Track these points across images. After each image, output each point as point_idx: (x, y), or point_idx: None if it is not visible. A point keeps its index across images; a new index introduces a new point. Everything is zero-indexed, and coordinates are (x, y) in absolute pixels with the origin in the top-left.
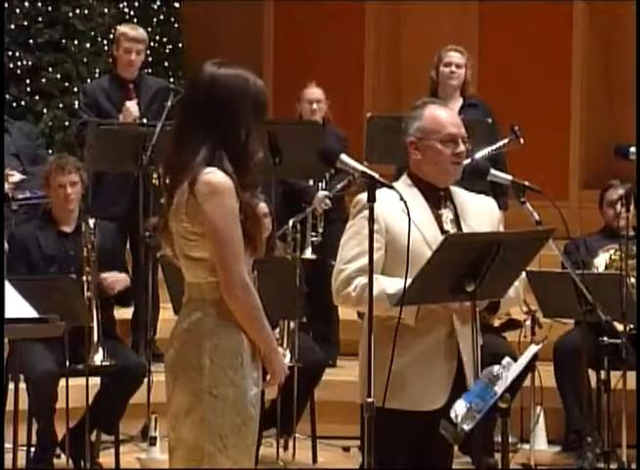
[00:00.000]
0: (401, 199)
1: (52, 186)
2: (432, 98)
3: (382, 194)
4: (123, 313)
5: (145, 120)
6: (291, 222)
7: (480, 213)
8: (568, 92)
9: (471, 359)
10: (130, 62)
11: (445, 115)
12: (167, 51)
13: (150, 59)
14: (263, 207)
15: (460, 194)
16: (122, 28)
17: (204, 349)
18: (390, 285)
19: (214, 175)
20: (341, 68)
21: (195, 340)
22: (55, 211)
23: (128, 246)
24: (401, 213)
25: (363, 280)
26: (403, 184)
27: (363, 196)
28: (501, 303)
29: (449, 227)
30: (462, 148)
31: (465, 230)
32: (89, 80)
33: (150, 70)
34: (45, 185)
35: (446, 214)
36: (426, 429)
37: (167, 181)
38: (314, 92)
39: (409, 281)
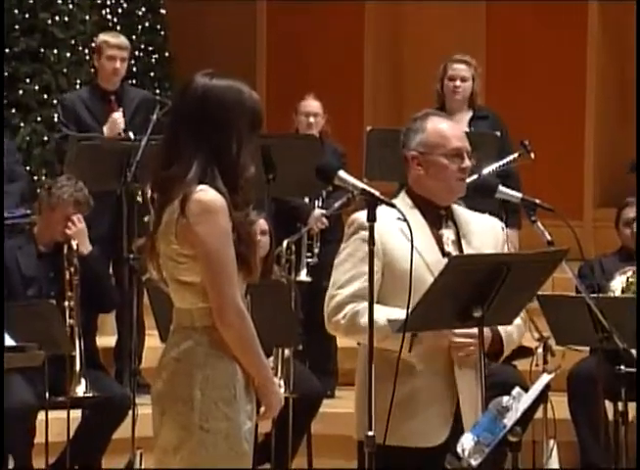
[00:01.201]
0: (404, 220)
1: (53, 218)
2: (434, 110)
3: (379, 213)
4: (107, 341)
5: (131, 134)
6: (285, 243)
7: (484, 234)
8: (582, 102)
9: (468, 396)
10: (115, 70)
11: (449, 127)
12: (153, 60)
13: (134, 69)
14: (263, 223)
15: (461, 213)
16: (103, 36)
17: (194, 380)
18: (389, 314)
19: (207, 193)
20: (339, 77)
21: (185, 370)
22: (39, 232)
23: (111, 269)
24: (399, 234)
25: (356, 307)
26: (401, 202)
27: (358, 215)
28: (504, 344)
29: (451, 249)
30: (468, 163)
31: (467, 252)
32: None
33: (135, 81)
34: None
35: (447, 235)
36: (426, 466)
37: (155, 199)
38: (311, 105)
39: (411, 307)
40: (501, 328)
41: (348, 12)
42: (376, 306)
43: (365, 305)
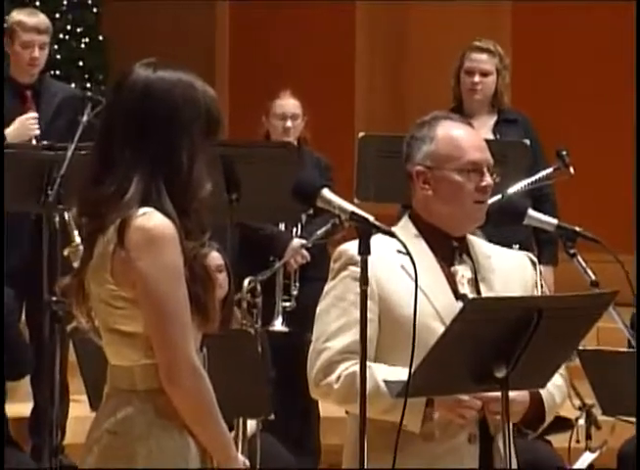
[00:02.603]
0: (406, 252)
1: None
2: (445, 112)
3: (373, 243)
4: (19, 410)
5: (44, 142)
6: (246, 281)
7: (509, 273)
8: (629, 106)
9: None
10: (32, 60)
11: (465, 135)
12: (83, 45)
13: (58, 56)
14: (216, 257)
15: (480, 245)
16: (17, 16)
17: (135, 456)
18: (389, 375)
19: (151, 219)
20: (322, 72)
21: (123, 445)
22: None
23: (24, 316)
24: (401, 272)
25: (352, 367)
26: (403, 231)
27: (348, 247)
28: (545, 408)
29: (466, 290)
30: (489, 180)
31: (486, 295)
32: None
33: (58, 73)
34: None
35: (462, 273)
36: None
37: (84, 225)
38: (289, 104)
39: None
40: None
41: (335, 7)
42: (374, 366)
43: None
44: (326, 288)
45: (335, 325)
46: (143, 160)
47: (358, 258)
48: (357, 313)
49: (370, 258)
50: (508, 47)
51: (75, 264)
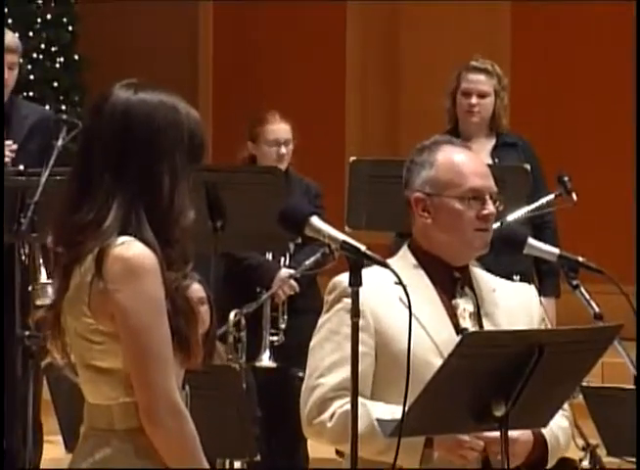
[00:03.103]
0: (399, 282)
1: None
2: (447, 136)
3: (369, 275)
4: None
5: (21, 167)
6: (232, 314)
7: (513, 308)
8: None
9: None
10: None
11: (467, 161)
12: (58, 65)
13: (31, 77)
14: (197, 290)
15: (482, 277)
16: None
17: None
18: (385, 413)
19: (131, 248)
20: (312, 93)
21: None
22: None
23: None
24: (399, 305)
25: (346, 405)
26: (403, 261)
27: (342, 279)
28: (549, 450)
29: (468, 325)
30: (491, 208)
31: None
32: None
33: (30, 94)
34: None
35: (463, 306)
36: None
37: (61, 255)
38: (281, 129)
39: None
40: (544, 429)
41: (323, 16)
42: (369, 404)
43: (361, 401)
44: (320, 321)
45: (328, 360)
46: (122, 186)
47: (349, 288)
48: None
49: (366, 291)
50: (508, 52)
51: (39, 302)
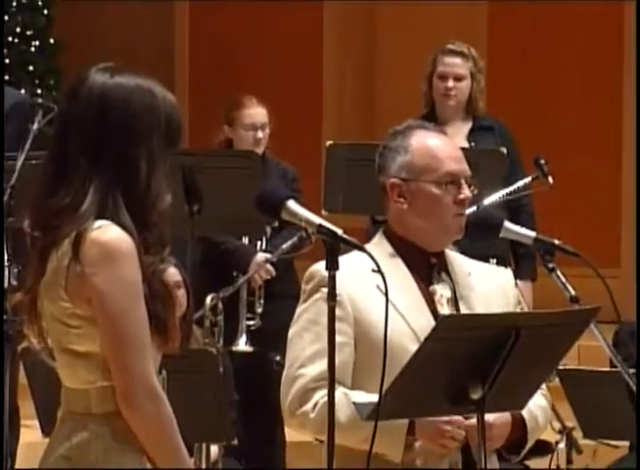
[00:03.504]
0: (377, 269)
1: None
2: (420, 121)
3: (347, 263)
4: None
5: None
6: (209, 298)
7: (489, 291)
8: (617, 111)
9: None
10: None
11: (442, 145)
12: (33, 49)
13: (6, 61)
14: (173, 274)
15: (458, 261)
16: None
17: None
18: (366, 401)
19: (108, 232)
20: (288, 75)
21: None
22: None
23: None
24: (376, 292)
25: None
26: (378, 248)
27: (320, 267)
28: (528, 433)
29: (446, 310)
30: (467, 193)
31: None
32: None
33: (6, 78)
34: None
35: (440, 292)
36: None
37: (36, 239)
38: (258, 113)
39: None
40: (524, 410)
41: (302, 7)
42: (350, 393)
43: (342, 390)
44: (298, 310)
45: (309, 350)
46: (99, 170)
47: (326, 273)
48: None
49: (344, 280)
50: (484, 50)
51: None
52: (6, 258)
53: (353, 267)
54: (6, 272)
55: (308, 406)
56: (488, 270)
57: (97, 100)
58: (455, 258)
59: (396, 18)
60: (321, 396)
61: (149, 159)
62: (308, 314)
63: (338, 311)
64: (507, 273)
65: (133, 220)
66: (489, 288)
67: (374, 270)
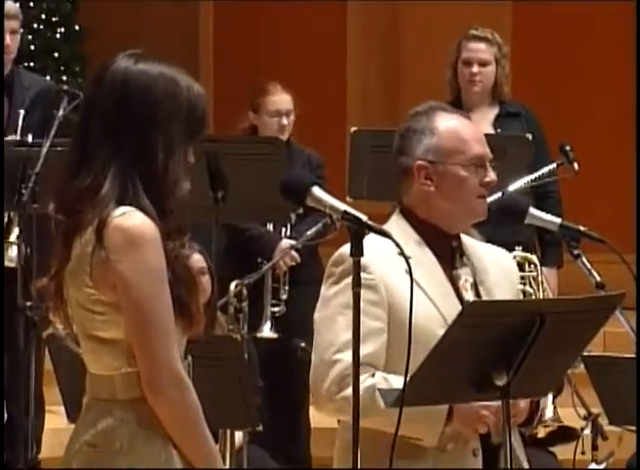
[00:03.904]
0: (401, 253)
1: None
2: (439, 102)
3: (375, 245)
4: None
5: (29, 138)
6: (233, 285)
7: (499, 273)
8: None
9: None
10: (4, 47)
11: (466, 127)
12: (58, 35)
13: (32, 47)
14: (198, 260)
15: (471, 244)
16: None
17: None
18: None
19: (132, 218)
20: (313, 62)
21: (103, 459)
22: None
23: None
24: (406, 276)
25: (368, 380)
26: (402, 231)
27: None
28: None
29: (470, 295)
30: (493, 175)
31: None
32: None
33: (31, 64)
34: None
35: (464, 277)
36: None
37: (60, 223)
38: (283, 100)
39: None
40: None
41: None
42: (390, 377)
43: (382, 374)
44: (327, 293)
45: (345, 336)
46: (117, 155)
47: (365, 262)
48: (370, 323)
49: (378, 263)
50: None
51: (7, 261)
52: (15, 235)
53: (385, 252)
54: (14, 252)
55: (349, 391)
56: (493, 252)
57: (119, 86)
58: (468, 241)
59: (419, 17)
60: (363, 379)
61: (167, 146)
62: (341, 298)
63: (373, 296)
64: (509, 256)
65: (153, 206)
66: (497, 270)
67: (400, 254)
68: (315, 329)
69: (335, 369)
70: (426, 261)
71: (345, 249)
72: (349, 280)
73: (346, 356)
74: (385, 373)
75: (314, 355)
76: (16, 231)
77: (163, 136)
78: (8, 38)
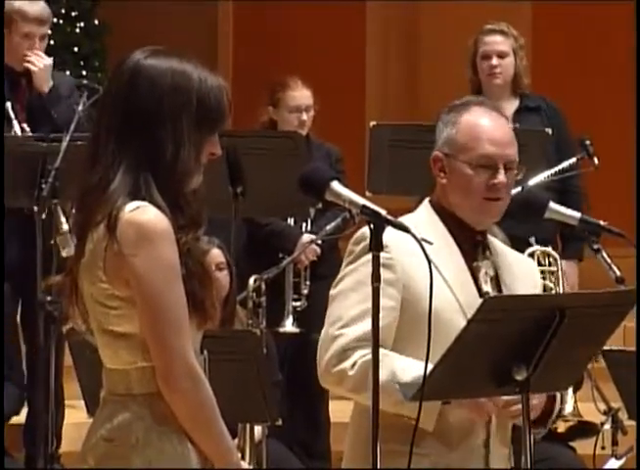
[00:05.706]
0: (420, 247)
1: None
2: (481, 97)
3: (399, 233)
4: (13, 416)
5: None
6: (252, 280)
7: (522, 274)
8: None
9: None
10: (33, 51)
11: (489, 125)
12: (78, 31)
13: (51, 42)
14: (217, 255)
15: (495, 242)
16: (17, 3)
17: (132, 465)
18: (405, 367)
19: (145, 213)
20: (332, 57)
21: (119, 453)
22: None
23: (19, 317)
24: (426, 262)
25: (368, 355)
26: (426, 217)
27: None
28: (555, 403)
29: (489, 288)
30: (501, 178)
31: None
32: None
33: (52, 59)
34: None
35: (485, 269)
36: None
37: (76, 219)
38: (303, 95)
39: (432, 365)
40: None
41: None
42: (390, 354)
43: (383, 351)
44: (345, 269)
45: (354, 311)
46: (128, 150)
47: (385, 241)
48: (382, 301)
49: (400, 245)
50: (529, 50)
51: (64, 254)
52: (66, 225)
53: (406, 236)
54: (69, 242)
55: (347, 364)
56: (519, 258)
57: (127, 80)
58: (493, 241)
59: (438, 14)
60: (361, 355)
61: (175, 140)
62: (357, 275)
63: (389, 274)
64: (533, 264)
65: (164, 200)
66: (519, 270)
67: (423, 240)
68: (329, 304)
69: (337, 342)
70: (447, 249)
71: (367, 228)
72: (367, 257)
73: (351, 331)
74: (386, 351)
75: (323, 329)
76: (64, 221)
77: (171, 130)
78: (38, 44)
